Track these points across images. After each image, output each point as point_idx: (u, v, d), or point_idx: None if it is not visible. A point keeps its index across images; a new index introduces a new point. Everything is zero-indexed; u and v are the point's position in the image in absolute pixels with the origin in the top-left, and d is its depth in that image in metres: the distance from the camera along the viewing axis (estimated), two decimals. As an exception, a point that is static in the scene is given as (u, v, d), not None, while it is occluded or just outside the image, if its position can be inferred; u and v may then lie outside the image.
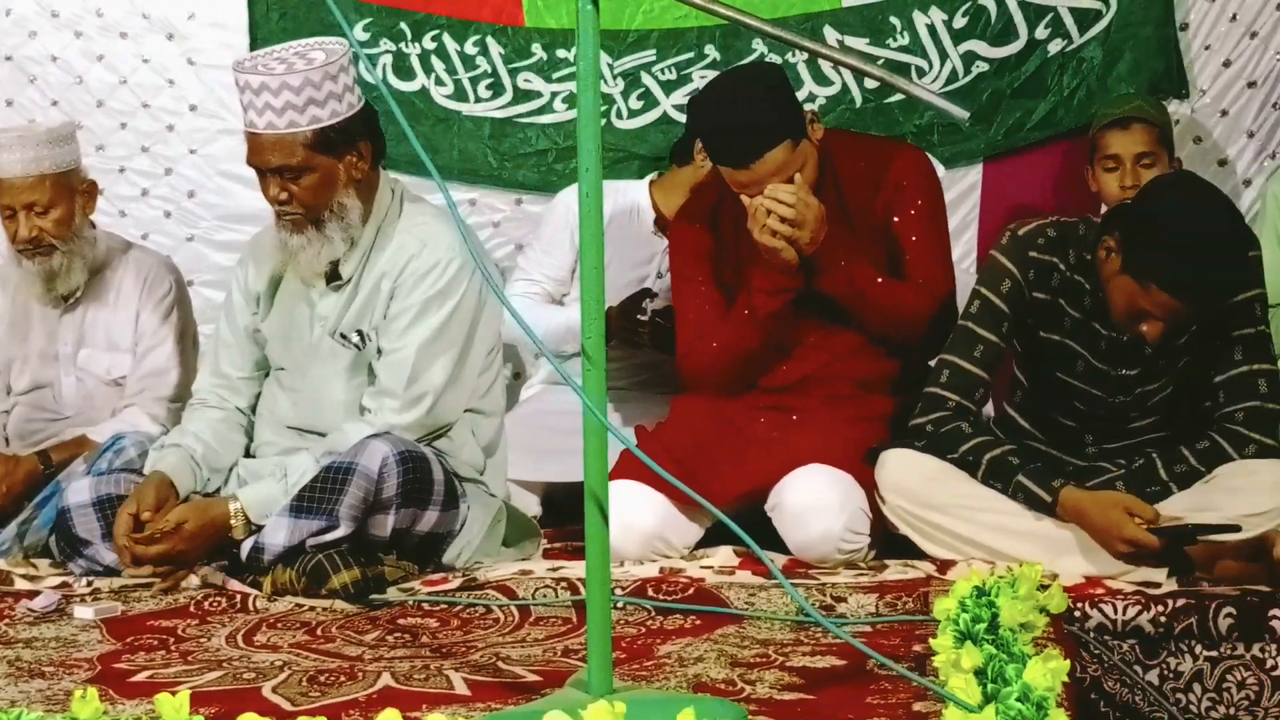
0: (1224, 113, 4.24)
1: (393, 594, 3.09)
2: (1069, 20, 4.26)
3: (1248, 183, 4.23)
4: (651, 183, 4.15)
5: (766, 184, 3.27)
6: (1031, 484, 3.14)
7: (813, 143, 3.36)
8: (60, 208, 3.63)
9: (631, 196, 4.10)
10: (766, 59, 4.33)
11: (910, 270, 3.43)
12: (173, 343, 3.78)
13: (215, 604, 3.06)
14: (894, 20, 4.30)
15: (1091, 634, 2.88)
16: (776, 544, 3.29)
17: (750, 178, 3.29)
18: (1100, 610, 2.90)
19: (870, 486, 3.27)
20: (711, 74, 4.23)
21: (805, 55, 4.33)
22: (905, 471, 3.23)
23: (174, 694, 1.97)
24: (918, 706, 2.27)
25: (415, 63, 4.45)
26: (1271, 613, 2.87)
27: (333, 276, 3.29)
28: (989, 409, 3.69)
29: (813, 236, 3.28)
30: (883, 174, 3.45)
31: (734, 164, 3.31)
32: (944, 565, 3.17)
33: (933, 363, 3.35)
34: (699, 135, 3.59)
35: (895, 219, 3.44)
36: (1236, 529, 2.96)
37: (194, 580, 3.17)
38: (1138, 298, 3.00)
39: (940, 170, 4.04)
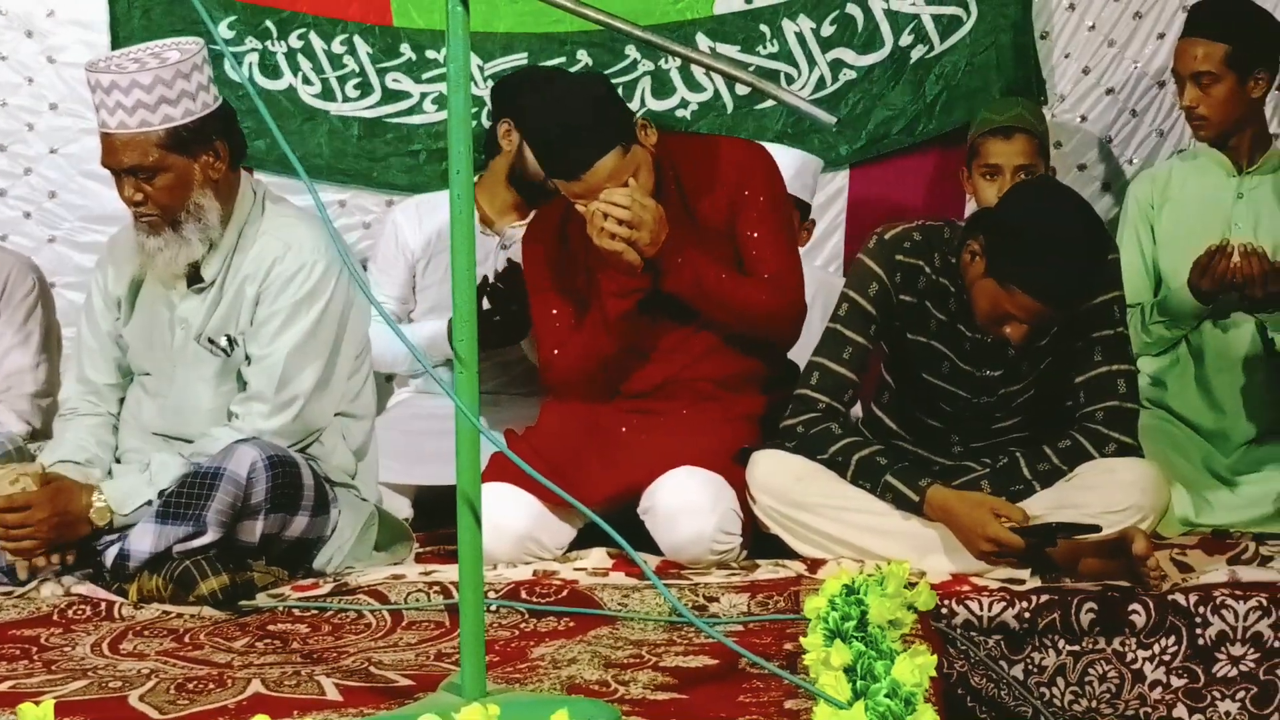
0: (1083, 119, 4.32)
1: (262, 600, 3.05)
2: (931, 28, 4.30)
3: (1107, 186, 4.32)
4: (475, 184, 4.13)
5: (601, 192, 3.29)
6: (899, 484, 3.18)
7: (645, 147, 3.37)
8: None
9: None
10: (639, 64, 4.34)
11: (756, 266, 3.46)
12: (37, 340, 3.73)
13: (80, 612, 3.01)
14: (764, 28, 4.32)
15: (958, 630, 2.92)
16: (649, 545, 3.30)
17: (584, 188, 3.31)
18: (966, 607, 2.94)
19: (741, 487, 3.30)
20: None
21: (678, 61, 4.34)
22: (775, 472, 3.26)
23: (38, 704, 1.93)
24: (789, 704, 2.29)
25: (282, 61, 4.39)
26: (1131, 607, 2.94)
27: (194, 279, 3.24)
28: (857, 409, 3.74)
29: (652, 237, 3.30)
30: (724, 173, 3.48)
31: (565, 176, 3.33)
32: (814, 564, 3.20)
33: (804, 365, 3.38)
34: (530, 148, 3.58)
35: (739, 216, 3.47)
36: (1097, 529, 3.01)
37: (58, 589, 3.11)
38: (1001, 301, 3.05)
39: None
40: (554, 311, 3.54)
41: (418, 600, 3.02)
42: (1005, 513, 3.08)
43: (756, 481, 3.27)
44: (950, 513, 3.12)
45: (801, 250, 4.00)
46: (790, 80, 4.31)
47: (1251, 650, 2.92)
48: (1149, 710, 2.93)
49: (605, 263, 3.37)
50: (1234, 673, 2.92)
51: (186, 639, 2.82)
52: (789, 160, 3.91)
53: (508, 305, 3.78)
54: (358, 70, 4.39)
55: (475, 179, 4.05)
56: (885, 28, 4.30)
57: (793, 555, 3.27)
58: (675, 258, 3.37)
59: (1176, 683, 2.93)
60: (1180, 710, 2.93)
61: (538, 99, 3.48)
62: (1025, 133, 3.89)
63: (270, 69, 4.39)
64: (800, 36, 4.31)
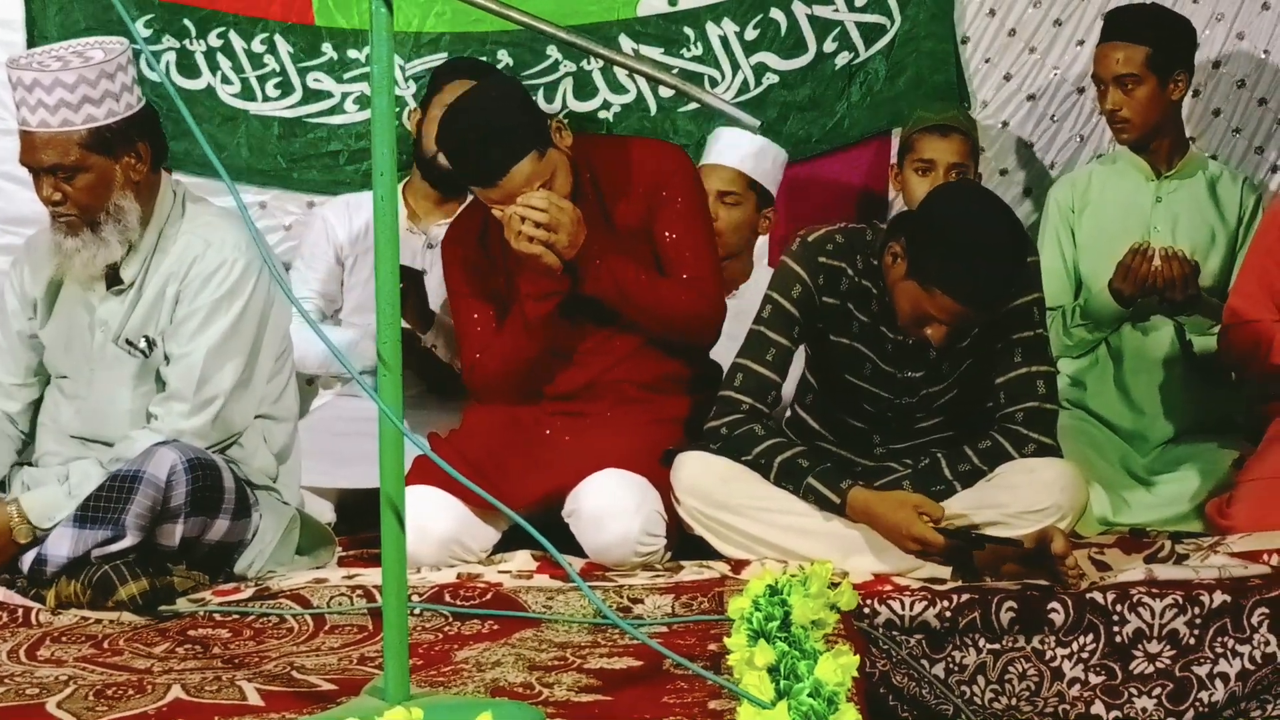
0: (1004, 124, 4.35)
1: (182, 605, 3.03)
2: (855, 34, 4.32)
3: (1028, 191, 4.35)
4: (404, 185, 4.12)
5: (518, 197, 3.29)
6: (821, 486, 3.20)
7: (561, 150, 3.38)
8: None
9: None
10: (561, 65, 4.34)
11: (675, 268, 3.47)
12: None
13: (-4, 619, 2.98)
14: (688, 31, 4.33)
15: (880, 630, 2.94)
16: (574, 547, 3.30)
17: (500, 194, 3.31)
18: (889, 606, 2.96)
19: (666, 489, 3.31)
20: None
21: (601, 62, 4.34)
22: (699, 473, 3.27)
23: (-48, 712, 1.93)
24: (713, 704, 2.30)
25: (200, 60, 4.34)
26: (1050, 606, 2.96)
27: (113, 281, 3.21)
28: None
29: (570, 240, 3.31)
30: (641, 174, 3.49)
31: (482, 183, 3.33)
32: (738, 565, 3.21)
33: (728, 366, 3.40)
34: (445, 156, 3.55)
35: (656, 218, 3.48)
36: (1019, 544, 3.04)
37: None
38: (922, 302, 3.08)
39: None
40: (475, 315, 3.53)
41: (340, 604, 3.00)
42: (926, 510, 3.10)
43: (681, 483, 3.28)
44: (873, 514, 3.14)
45: (764, 239, 4.01)
46: (714, 83, 4.31)
47: (1168, 647, 2.95)
48: (1067, 707, 2.96)
49: (524, 266, 3.37)
50: (1151, 669, 2.96)
51: (105, 645, 2.79)
52: (754, 147, 3.92)
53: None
54: (278, 70, 4.36)
55: (402, 179, 4.11)
56: (809, 33, 4.32)
57: (717, 556, 3.28)
58: (594, 260, 3.38)
59: (1094, 680, 2.96)
60: (1098, 707, 2.95)
61: (451, 108, 3.46)
62: (960, 133, 3.94)
63: (188, 68, 4.34)
64: (724, 40, 4.32)
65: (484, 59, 4.31)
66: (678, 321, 3.46)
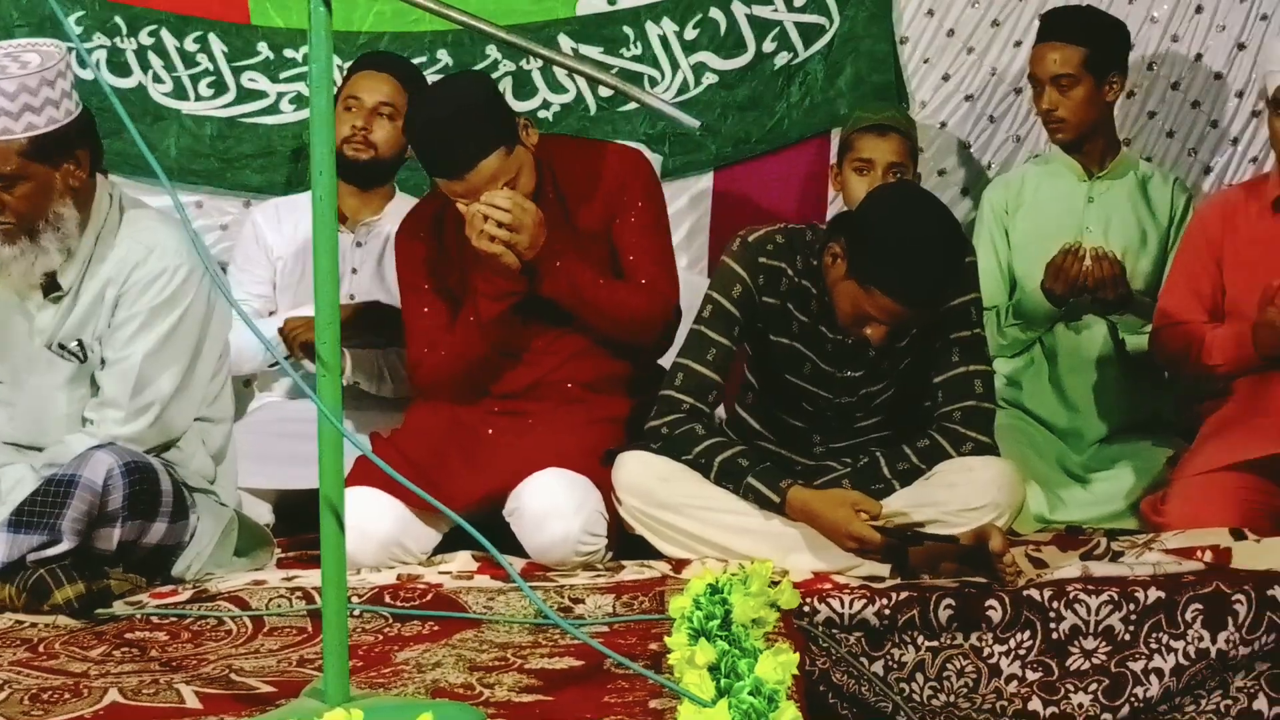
0: (943, 124, 4.38)
1: (119, 608, 3.01)
2: (794, 34, 4.34)
3: (965, 191, 4.38)
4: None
5: (482, 193, 3.29)
6: (760, 485, 3.21)
7: (527, 148, 3.38)
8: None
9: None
10: (500, 65, 4.34)
11: (632, 272, 3.48)
12: None
13: (-72, 623, 2.95)
14: (627, 30, 4.33)
15: (820, 628, 2.95)
16: (515, 548, 3.31)
17: (465, 188, 3.30)
18: (828, 604, 2.97)
19: (608, 488, 3.31)
20: (441, 76, 4.22)
21: (540, 62, 4.34)
22: (640, 473, 3.28)
23: (-115, 718, 1.91)
24: (654, 703, 2.30)
25: (131, 59, 4.31)
26: (988, 603, 2.98)
27: (50, 288, 3.18)
28: (721, 409, 3.78)
29: (531, 241, 3.31)
30: (603, 177, 3.50)
31: (447, 175, 3.32)
32: (679, 564, 3.23)
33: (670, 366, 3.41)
34: (412, 146, 3.56)
35: (616, 221, 3.49)
36: (954, 540, 3.06)
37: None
38: (861, 302, 3.10)
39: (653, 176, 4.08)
40: (425, 310, 3.52)
41: (279, 606, 2.99)
42: (864, 507, 3.12)
43: (621, 483, 3.29)
44: (812, 512, 3.16)
45: None
46: (653, 83, 4.32)
47: (1104, 643, 2.98)
48: (1005, 704, 2.98)
49: (481, 263, 3.36)
50: (1087, 665, 2.98)
51: (41, 649, 2.77)
52: None
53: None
54: (212, 69, 4.34)
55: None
56: (748, 33, 4.33)
57: (658, 556, 3.29)
58: (553, 262, 3.38)
59: (1031, 676, 2.98)
60: (1035, 703, 2.97)
61: (421, 98, 3.46)
62: (899, 133, 3.94)
63: (119, 66, 4.31)
64: (664, 39, 4.33)
65: (424, 58, 4.31)
66: (632, 325, 3.47)
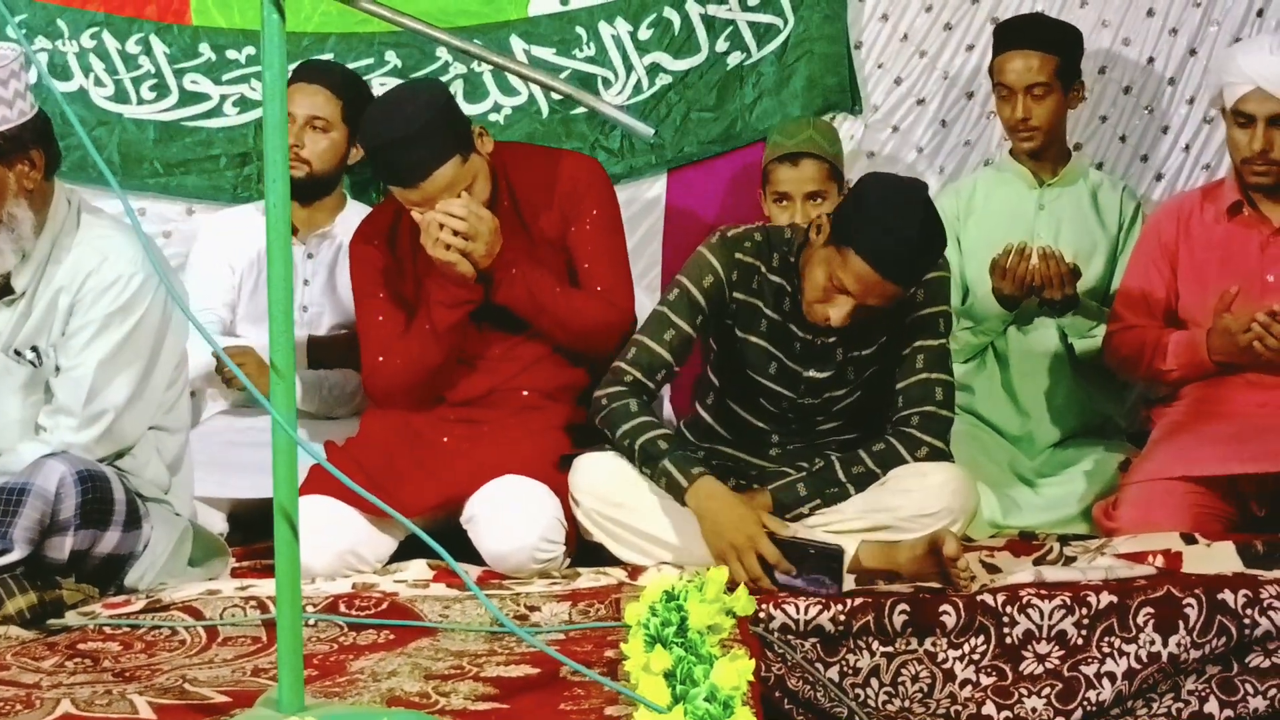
0: (895, 128, 4.39)
1: (71, 618, 3.00)
2: (748, 35, 4.34)
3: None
4: None
5: (438, 201, 3.30)
6: (674, 468, 3.19)
7: (483, 156, 3.39)
8: None
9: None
10: (451, 67, 4.33)
11: (588, 280, 3.50)
12: None
13: (-123, 635, 2.93)
14: (580, 31, 4.33)
15: (775, 634, 2.96)
16: (472, 555, 3.32)
17: (421, 196, 3.31)
18: (784, 611, 2.98)
19: (565, 495, 3.32)
20: (393, 81, 4.20)
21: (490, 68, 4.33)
22: (594, 471, 3.30)
23: None
24: (610, 710, 2.31)
25: (72, 61, 4.28)
26: (942, 609, 3.00)
27: (4, 291, 3.17)
28: (670, 413, 3.79)
29: (487, 249, 3.32)
30: (558, 185, 3.51)
31: (402, 184, 3.33)
32: (635, 571, 3.24)
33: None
34: (367, 155, 3.55)
35: (572, 229, 3.51)
36: (839, 549, 3.05)
37: None
38: (835, 268, 3.10)
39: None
40: (380, 318, 3.52)
41: (234, 616, 2.99)
42: (770, 525, 3.11)
43: (579, 485, 3.30)
44: (715, 501, 3.13)
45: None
46: (607, 84, 4.33)
47: (1057, 648, 3.00)
48: (959, 708, 2.99)
49: (436, 271, 3.37)
50: (1040, 670, 3.00)
51: (-7, 661, 2.76)
52: None
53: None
54: (154, 71, 4.30)
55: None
56: (702, 33, 4.33)
57: (615, 563, 3.30)
58: (509, 270, 3.39)
59: (985, 681, 2.99)
60: (989, 708, 2.99)
61: (376, 106, 3.47)
62: (814, 157, 3.86)
63: (60, 70, 4.28)
64: (617, 40, 4.33)
65: (371, 60, 4.30)
66: (588, 332, 3.48)
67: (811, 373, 3.35)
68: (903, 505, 3.22)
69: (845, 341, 3.32)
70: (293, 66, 4.15)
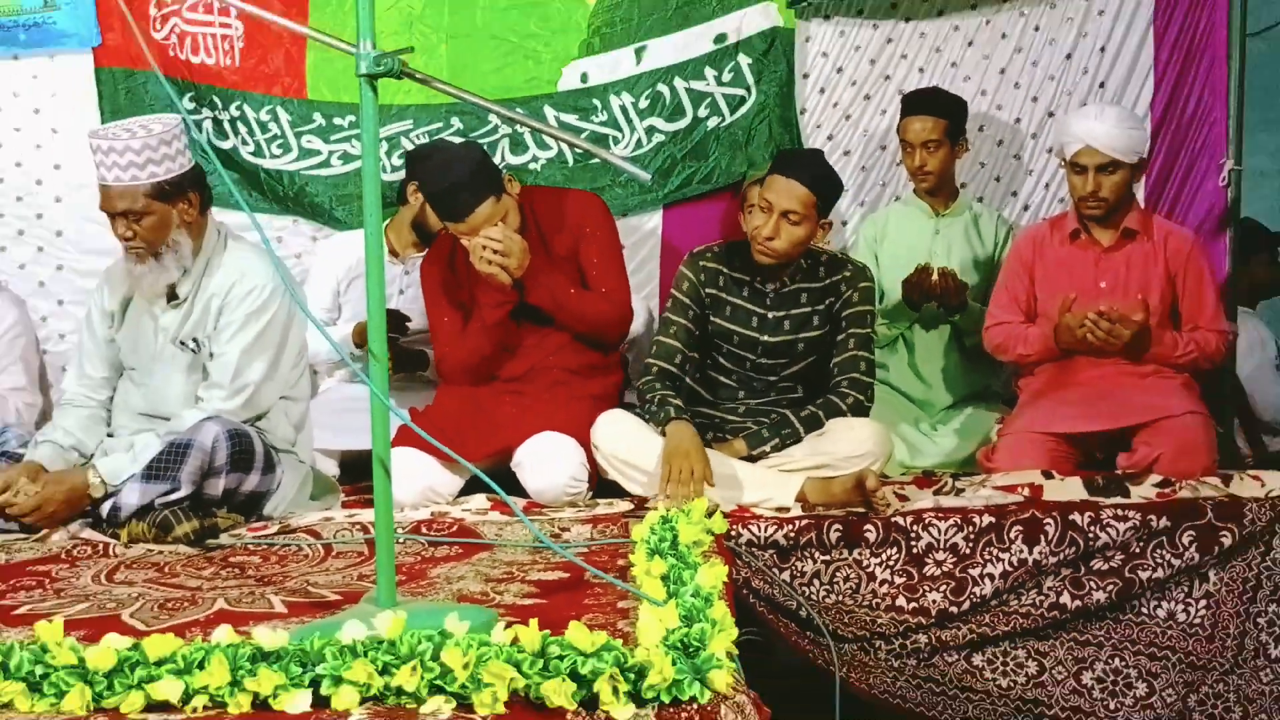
0: (827, 174, 4.40)
1: (225, 539, 3.01)
2: (722, 104, 4.32)
3: (844, 223, 4.38)
4: (388, 224, 4.11)
5: (480, 230, 3.30)
6: (662, 415, 3.21)
7: (512, 196, 3.39)
8: None
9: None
10: (499, 129, 4.30)
11: (594, 284, 3.50)
12: (19, 359, 3.59)
13: (82, 551, 2.94)
14: (596, 102, 4.31)
15: (743, 547, 2.96)
16: (518, 490, 3.31)
17: (467, 228, 3.32)
18: (749, 530, 2.98)
19: (587, 445, 3.31)
20: (457, 139, 4.19)
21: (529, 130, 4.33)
22: (609, 426, 3.30)
23: (51, 622, 1.90)
24: (621, 604, 2.31)
25: (227, 126, 4.29)
26: (866, 527, 3.00)
27: (171, 297, 3.18)
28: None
29: (519, 263, 3.33)
30: (568, 215, 3.51)
31: (454, 219, 3.34)
32: (639, 502, 3.23)
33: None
34: (427, 200, 3.54)
35: (581, 246, 3.50)
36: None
37: (64, 535, 3.04)
38: (763, 194, 3.25)
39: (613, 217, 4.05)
40: (445, 320, 3.54)
41: (344, 536, 3.00)
42: (708, 477, 3.07)
43: (597, 436, 3.30)
44: (674, 434, 3.12)
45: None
46: (616, 141, 4.30)
47: (950, 556, 3.00)
48: (879, 601, 2.99)
49: (483, 282, 3.38)
50: (938, 572, 3.00)
51: (166, 570, 2.77)
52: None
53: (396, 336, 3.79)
54: (280, 134, 4.30)
55: (387, 220, 4.10)
56: (687, 103, 4.32)
57: (624, 495, 3.29)
58: (536, 278, 3.39)
59: (898, 580, 2.99)
60: (901, 600, 2.99)
61: (431, 164, 3.46)
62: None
63: (220, 132, 4.29)
64: (623, 109, 4.31)
65: (440, 124, 4.27)
66: (596, 324, 3.48)
67: (766, 337, 3.37)
68: (837, 450, 3.22)
69: (791, 319, 3.36)
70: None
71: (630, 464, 3.27)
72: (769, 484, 3.14)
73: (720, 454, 3.21)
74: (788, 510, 3.10)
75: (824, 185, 3.27)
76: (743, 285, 3.37)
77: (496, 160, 4.26)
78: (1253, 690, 2.95)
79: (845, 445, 3.22)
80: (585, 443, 3.33)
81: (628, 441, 3.27)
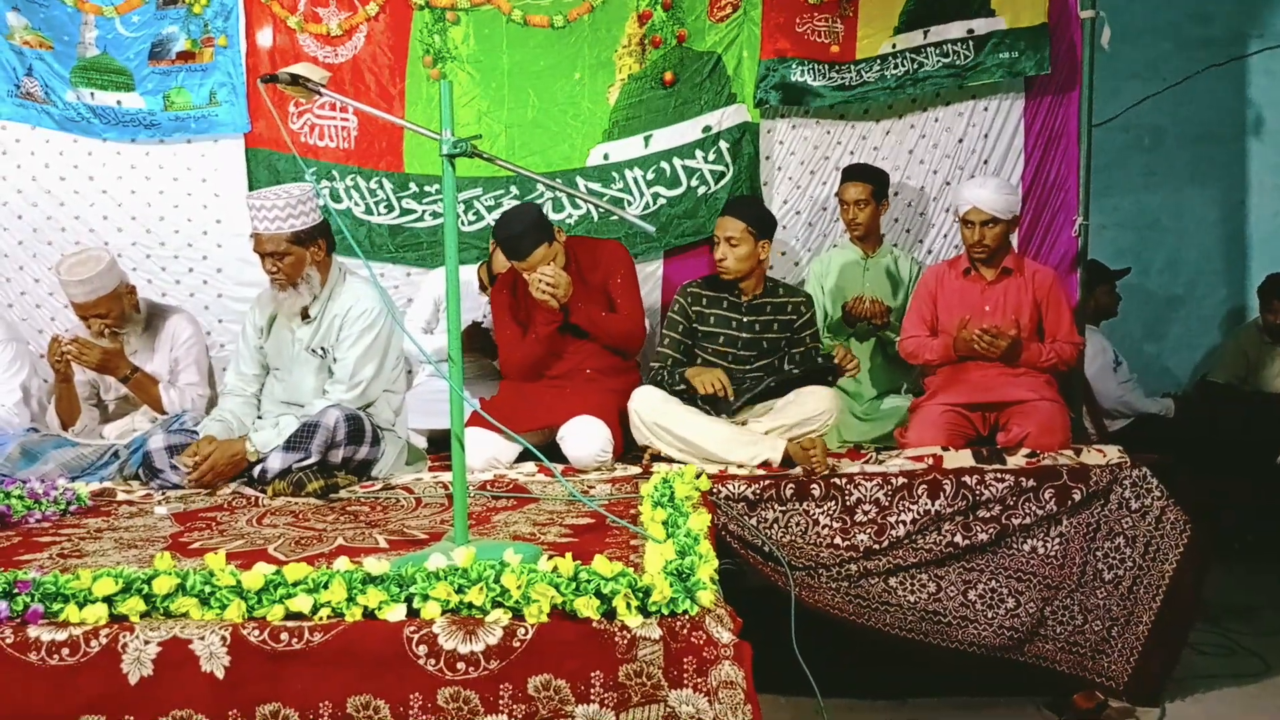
0: (784, 227, 4.31)
1: (344, 494, 3.02)
2: (709, 176, 4.29)
3: (797, 264, 4.35)
4: (481, 265, 4.11)
5: (537, 268, 3.32)
6: (679, 372, 3.30)
7: (560, 243, 3.41)
8: (111, 309, 3.40)
9: (468, 275, 4.06)
10: (544, 194, 4.33)
11: (620, 309, 3.52)
12: (194, 362, 3.60)
13: (239, 503, 2.95)
14: (614, 174, 4.30)
15: (722, 499, 2.96)
16: (560, 458, 3.30)
17: (526, 266, 3.35)
18: (727, 486, 2.97)
19: (616, 427, 3.31)
20: (514, 203, 4.20)
21: (566, 194, 4.34)
22: (643, 398, 3.29)
23: (216, 554, 1.93)
24: (634, 543, 2.32)
25: (342, 192, 4.28)
26: (812, 486, 2.99)
27: (304, 317, 3.20)
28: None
29: (565, 294, 3.35)
30: (601, 258, 3.53)
31: (517, 259, 3.37)
32: (646, 468, 3.21)
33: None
34: (499, 246, 3.56)
35: (610, 282, 3.52)
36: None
37: (227, 490, 3.05)
38: (719, 233, 3.33)
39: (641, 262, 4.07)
40: (509, 332, 3.55)
41: (431, 492, 3.00)
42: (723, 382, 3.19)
43: (635, 404, 3.28)
44: (699, 370, 3.25)
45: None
46: (629, 203, 4.29)
47: (874, 507, 2.99)
48: (821, 540, 2.98)
49: (538, 306, 3.39)
50: (866, 519, 2.99)
51: (299, 516, 2.78)
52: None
53: (485, 336, 3.77)
54: (385, 197, 4.30)
55: (481, 262, 4.07)
56: (682, 175, 4.31)
57: (639, 463, 3.26)
58: (577, 304, 3.42)
59: (836, 525, 2.99)
60: (837, 539, 2.98)
61: (501, 220, 3.48)
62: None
63: (336, 196, 4.29)
64: (635, 180, 4.30)
65: (501, 190, 4.27)
66: (621, 338, 3.50)
67: (744, 335, 3.41)
68: (804, 410, 3.24)
69: (760, 322, 3.41)
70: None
71: (660, 425, 3.25)
72: (760, 444, 3.15)
73: (720, 421, 3.23)
74: (774, 465, 3.09)
75: (751, 216, 3.38)
76: (722, 300, 3.43)
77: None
78: (1090, 604, 2.96)
79: (810, 406, 3.25)
80: (612, 424, 3.33)
81: (659, 408, 3.26)
